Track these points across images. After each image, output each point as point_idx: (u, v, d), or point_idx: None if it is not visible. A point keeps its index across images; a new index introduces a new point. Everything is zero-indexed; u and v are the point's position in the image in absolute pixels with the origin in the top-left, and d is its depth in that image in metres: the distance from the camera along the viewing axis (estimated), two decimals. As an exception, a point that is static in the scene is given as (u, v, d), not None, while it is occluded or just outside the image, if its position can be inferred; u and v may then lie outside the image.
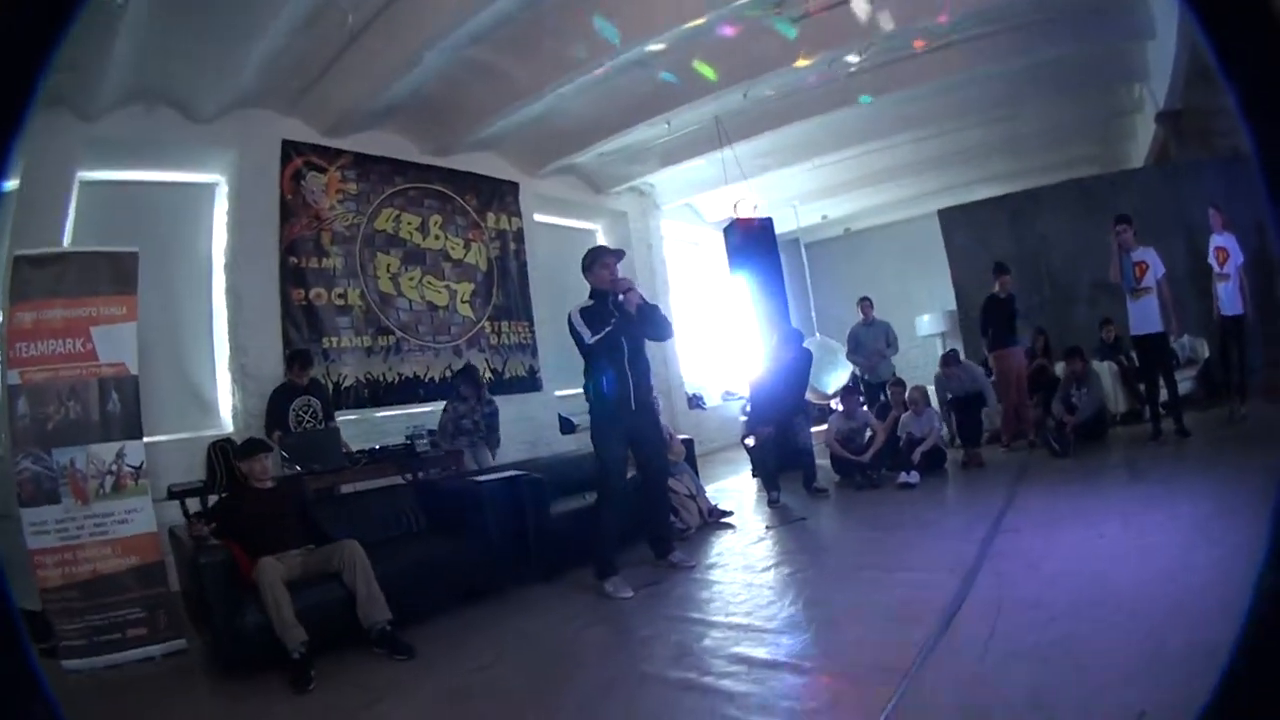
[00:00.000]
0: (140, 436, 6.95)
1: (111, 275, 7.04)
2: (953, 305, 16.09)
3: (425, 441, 9.31)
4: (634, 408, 7.01)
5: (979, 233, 14.94)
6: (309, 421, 9.13)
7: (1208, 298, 10.39)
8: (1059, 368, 11.38)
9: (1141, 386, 10.65)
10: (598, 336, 6.80)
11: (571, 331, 6.91)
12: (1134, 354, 10.67)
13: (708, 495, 9.32)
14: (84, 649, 6.41)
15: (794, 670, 4.41)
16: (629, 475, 7.21)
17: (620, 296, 6.90)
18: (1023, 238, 14.56)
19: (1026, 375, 11.56)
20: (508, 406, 11.69)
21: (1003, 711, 3.39)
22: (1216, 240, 10.00)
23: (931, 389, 11.22)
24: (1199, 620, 3.49)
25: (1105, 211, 11.09)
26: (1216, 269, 10.03)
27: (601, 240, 15.58)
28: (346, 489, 8.62)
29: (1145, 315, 9.77)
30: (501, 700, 4.77)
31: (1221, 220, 9.99)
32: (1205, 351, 11.32)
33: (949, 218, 15.30)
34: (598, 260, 7.10)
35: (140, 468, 6.85)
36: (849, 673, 4.21)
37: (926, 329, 18.12)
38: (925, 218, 17.09)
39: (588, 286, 7.00)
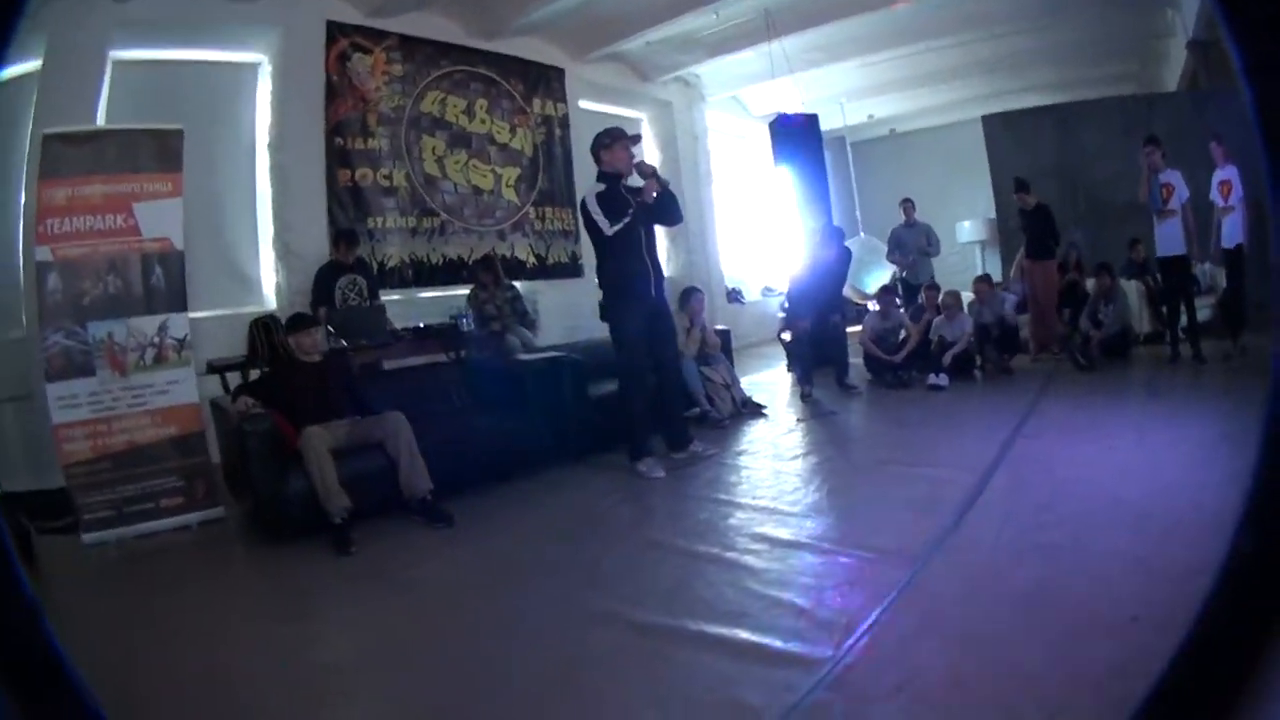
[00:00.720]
0: (185, 310, 7.02)
1: (155, 152, 7.02)
2: (993, 213, 16.02)
3: (469, 321, 9.34)
4: (653, 293, 6.95)
5: (1021, 141, 14.80)
6: (355, 299, 9.16)
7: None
8: (1089, 284, 11.30)
9: (1164, 309, 10.42)
10: (616, 228, 6.65)
11: (586, 220, 6.83)
12: (1158, 275, 10.57)
13: (742, 386, 9.38)
14: (110, 520, 6.53)
15: (813, 550, 4.57)
16: None
17: (632, 180, 6.90)
18: (1064, 149, 14.41)
19: (1058, 288, 11.48)
20: (550, 291, 12.16)
21: (1005, 600, 3.53)
22: (1220, 174, 9.92)
23: (967, 294, 11.05)
24: (1196, 537, 3.55)
25: (1141, 131, 10.91)
26: (1220, 203, 9.97)
27: (647, 129, 15.50)
28: (390, 365, 8.76)
29: (1170, 237, 9.68)
30: (535, 565, 5.00)
31: (1223, 153, 9.87)
32: (1223, 281, 11.04)
33: (992, 124, 15.14)
34: (617, 140, 6.93)
35: (184, 340, 6.93)
36: (864, 555, 4.32)
37: (967, 235, 17.97)
38: (970, 123, 16.79)
39: (633, 176, 6.89)
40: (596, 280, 7.25)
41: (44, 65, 8.42)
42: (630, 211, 6.67)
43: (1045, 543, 4.15)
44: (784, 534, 4.88)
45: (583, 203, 6.89)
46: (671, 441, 7.16)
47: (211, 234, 9.70)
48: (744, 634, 3.51)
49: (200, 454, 6.94)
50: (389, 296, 10.23)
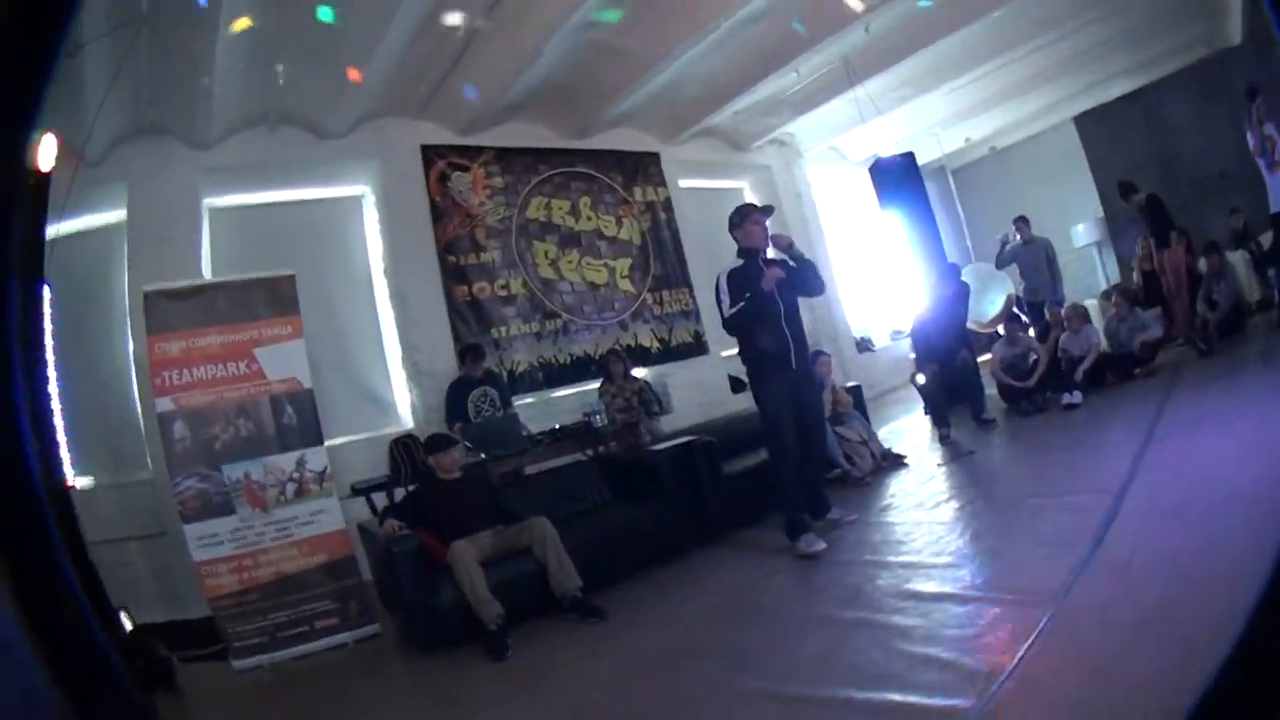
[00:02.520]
0: (320, 444, 7.23)
1: (269, 299, 7.34)
2: (1102, 212, 16.09)
3: (602, 417, 9.34)
4: (794, 366, 6.73)
5: (1115, 134, 15.06)
6: (488, 410, 9.29)
7: None
8: (1201, 264, 11.09)
9: (1272, 271, 10.38)
10: (731, 311, 6.62)
11: (716, 299, 6.75)
12: (1271, 234, 10.34)
13: (879, 439, 9.22)
14: (262, 645, 6.71)
15: (957, 600, 4.55)
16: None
17: (768, 256, 6.77)
18: (1154, 134, 14.58)
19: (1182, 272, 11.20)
20: (678, 372, 12.12)
21: (1140, 624, 3.50)
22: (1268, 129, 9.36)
23: (1092, 303, 10.80)
24: None
25: (1221, 95, 10.55)
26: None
27: (750, 197, 15.15)
28: (531, 469, 8.77)
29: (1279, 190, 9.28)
30: (685, 650, 4.99)
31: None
32: None
33: (1085, 124, 15.44)
34: (747, 217, 6.82)
35: (324, 472, 7.13)
36: (1007, 598, 4.33)
37: (1083, 239, 17.41)
38: (1067, 125, 16.96)
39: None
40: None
41: (130, 216, 8.77)
42: (747, 295, 6.52)
43: (1174, 554, 4.18)
44: (929, 588, 4.89)
45: (717, 280, 6.81)
46: (810, 509, 6.84)
47: (341, 363, 9.98)
48: (891, 695, 3.54)
49: (352, 576, 7.12)
50: (522, 401, 10.44)
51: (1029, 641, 3.62)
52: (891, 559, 5.66)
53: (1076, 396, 9.45)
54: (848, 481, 8.36)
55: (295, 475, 7.01)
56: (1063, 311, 10.55)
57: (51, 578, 1.48)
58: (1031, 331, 10.96)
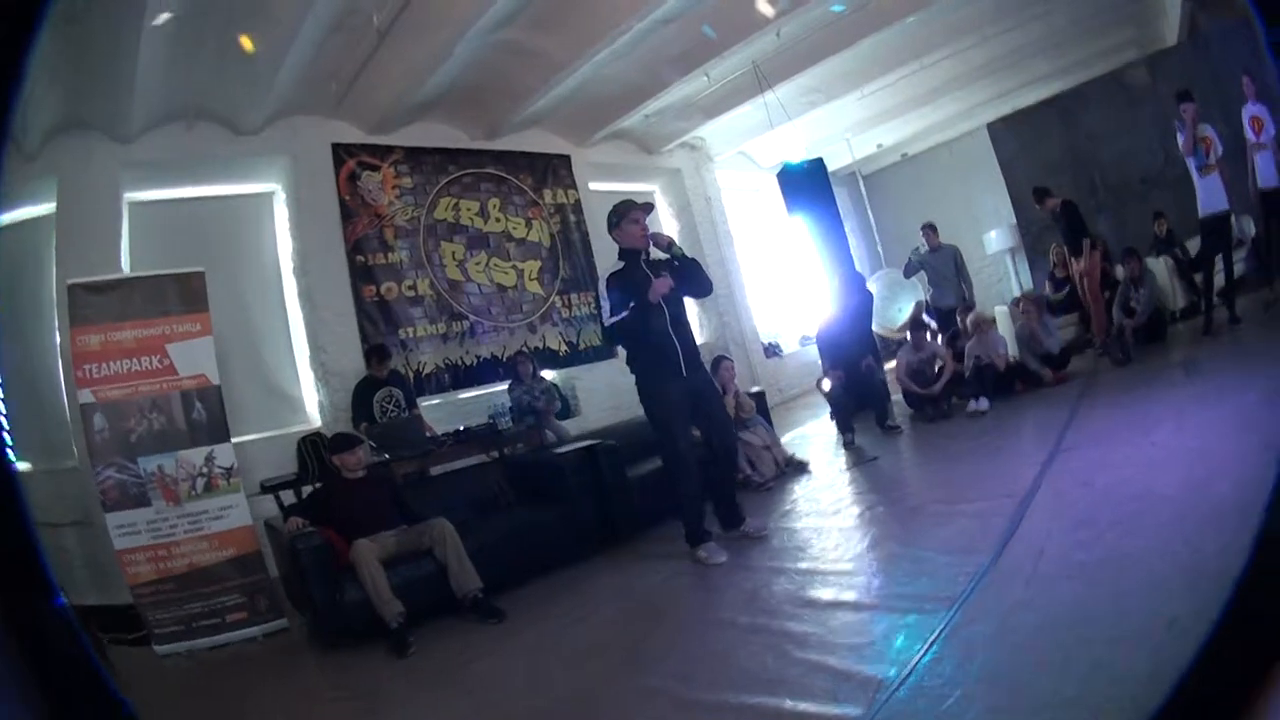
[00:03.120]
0: (228, 440, 7.39)
1: (180, 295, 7.52)
2: (1015, 219, 16.16)
3: (507, 420, 9.52)
4: (684, 373, 6.48)
5: (1028, 141, 15.05)
6: (393, 411, 9.39)
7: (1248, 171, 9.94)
8: (1119, 270, 11.18)
9: (1198, 277, 10.40)
10: (614, 320, 6.43)
11: (597, 303, 6.44)
12: (1198, 239, 10.46)
13: (783, 444, 9.26)
14: (180, 634, 6.96)
15: (853, 608, 4.65)
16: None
17: (649, 257, 6.61)
18: (1072, 139, 14.57)
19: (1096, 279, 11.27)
20: (589, 375, 12.28)
21: (1041, 631, 3.56)
22: (1251, 109, 9.56)
23: (1002, 309, 11.05)
24: (1232, 522, 3.38)
25: (1148, 102, 10.86)
26: (1252, 138, 9.59)
27: (660, 199, 15.46)
28: (435, 470, 8.86)
29: (1213, 193, 9.56)
30: (587, 649, 5.08)
31: (1254, 88, 9.50)
32: (1252, 229, 10.84)
33: (997, 131, 15.44)
34: (625, 216, 6.60)
35: (231, 469, 7.30)
36: (904, 606, 4.33)
37: (995, 245, 17.59)
38: (981, 132, 16.94)
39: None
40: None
41: (59, 209, 8.74)
42: (631, 305, 6.29)
43: (1083, 562, 4.17)
44: (827, 594, 4.95)
45: (600, 285, 6.67)
46: (723, 520, 6.73)
47: (251, 360, 9.98)
48: (784, 701, 3.58)
49: (259, 571, 7.31)
50: (429, 402, 10.48)
51: (923, 650, 3.65)
52: (790, 565, 5.67)
53: (983, 403, 9.52)
54: (749, 487, 8.32)
55: (204, 470, 7.18)
56: (969, 319, 10.65)
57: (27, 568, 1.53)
58: (940, 339, 10.99)
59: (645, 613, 5.68)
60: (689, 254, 6.84)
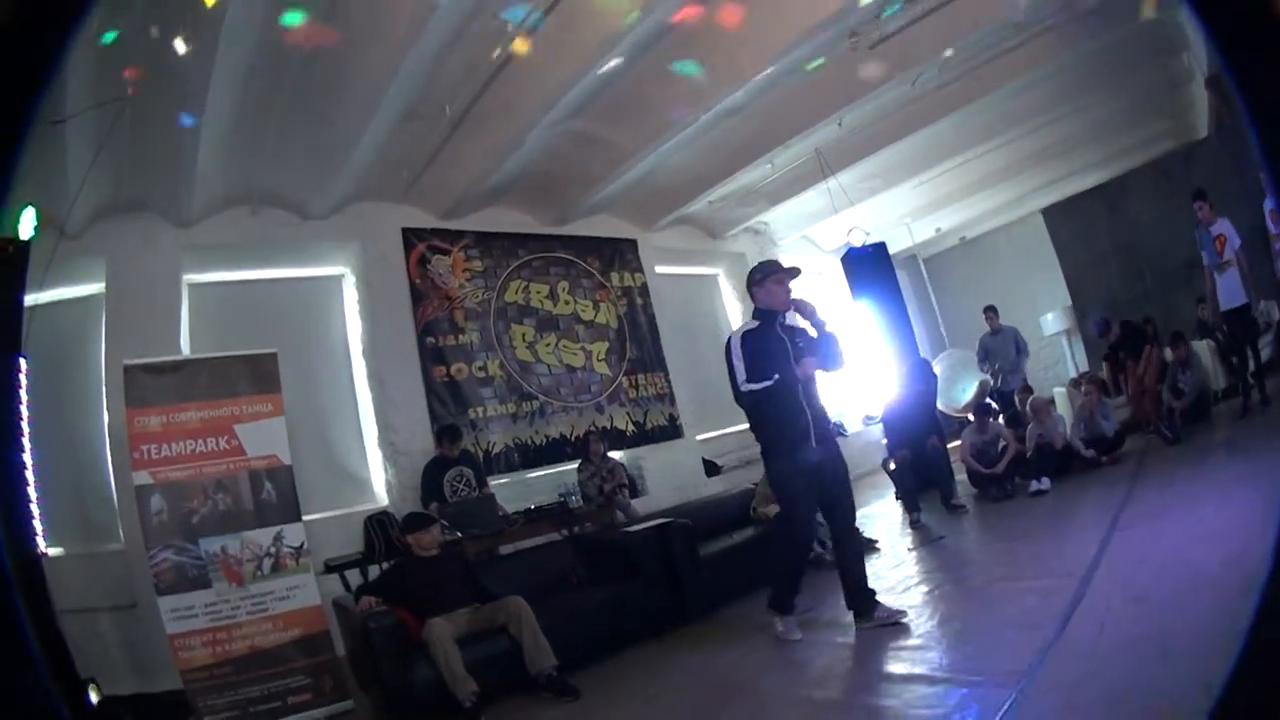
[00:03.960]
0: (299, 520, 7.27)
1: (251, 376, 7.48)
2: (1069, 300, 16.36)
3: (577, 498, 9.50)
4: (814, 444, 5.95)
5: (1081, 226, 15.34)
6: (464, 490, 9.30)
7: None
8: (1167, 353, 11.24)
9: (1234, 360, 10.41)
10: (753, 388, 5.86)
11: (728, 364, 6.04)
12: (1225, 329, 10.48)
13: None
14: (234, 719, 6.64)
15: (927, 681, 4.54)
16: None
17: (786, 322, 6.16)
18: (1117, 227, 14.83)
19: (1150, 368, 11.35)
20: (653, 455, 12.22)
21: (1102, 703, 3.56)
22: (1269, 204, 9.52)
23: (1060, 390, 11.12)
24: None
25: (1183, 188, 10.92)
26: (1273, 229, 9.67)
27: (724, 284, 15.60)
28: (506, 549, 8.80)
29: (1231, 289, 9.55)
30: None
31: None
32: (1276, 314, 11.05)
33: (1052, 217, 15.72)
34: (770, 275, 6.13)
35: (301, 548, 7.19)
36: (974, 679, 4.35)
37: (1052, 327, 17.54)
38: (1035, 216, 17.21)
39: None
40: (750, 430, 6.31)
41: (109, 290, 8.78)
42: (775, 376, 5.80)
43: (1138, 637, 4.19)
44: (900, 669, 4.90)
45: (728, 344, 6.05)
46: (854, 602, 6.03)
47: (318, 440, 9.97)
48: None
49: (326, 652, 7.10)
50: (497, 481, 10.35)
51: None
52: (863, 642, 5.61)
53: (1045, 483, 9.44)
54: (821, 565, 8.04)
55: (272, 550, 7.04)
56: (1029, 402, 10.69)
57: (14, 649, 1.41)
58: (1001, 419, 10.91)
59: (720, 690, 5.45)
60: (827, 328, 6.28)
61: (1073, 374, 15.40)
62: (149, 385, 7.02)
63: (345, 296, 10.79)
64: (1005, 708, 3.74)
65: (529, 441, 11.39)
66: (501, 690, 5.97)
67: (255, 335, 8.29)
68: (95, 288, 8.88)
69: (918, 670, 4.75)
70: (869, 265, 13.40)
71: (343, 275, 10.82)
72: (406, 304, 10.76)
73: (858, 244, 13.60)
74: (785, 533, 6.36)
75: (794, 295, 6.14)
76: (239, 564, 6.91)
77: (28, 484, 6.09)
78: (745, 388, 5.89)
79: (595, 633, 6.78)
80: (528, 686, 5.98)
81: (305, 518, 7.44)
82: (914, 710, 4.15)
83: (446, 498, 9.11)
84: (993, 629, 5.18)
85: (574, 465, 10.66)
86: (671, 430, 13.08)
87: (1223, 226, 9.41)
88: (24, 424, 6.09)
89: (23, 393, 6.18)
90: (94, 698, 6.23)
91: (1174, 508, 6.90)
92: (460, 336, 11.15)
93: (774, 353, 5.94)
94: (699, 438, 13.40)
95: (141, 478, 6.84)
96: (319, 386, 10.28)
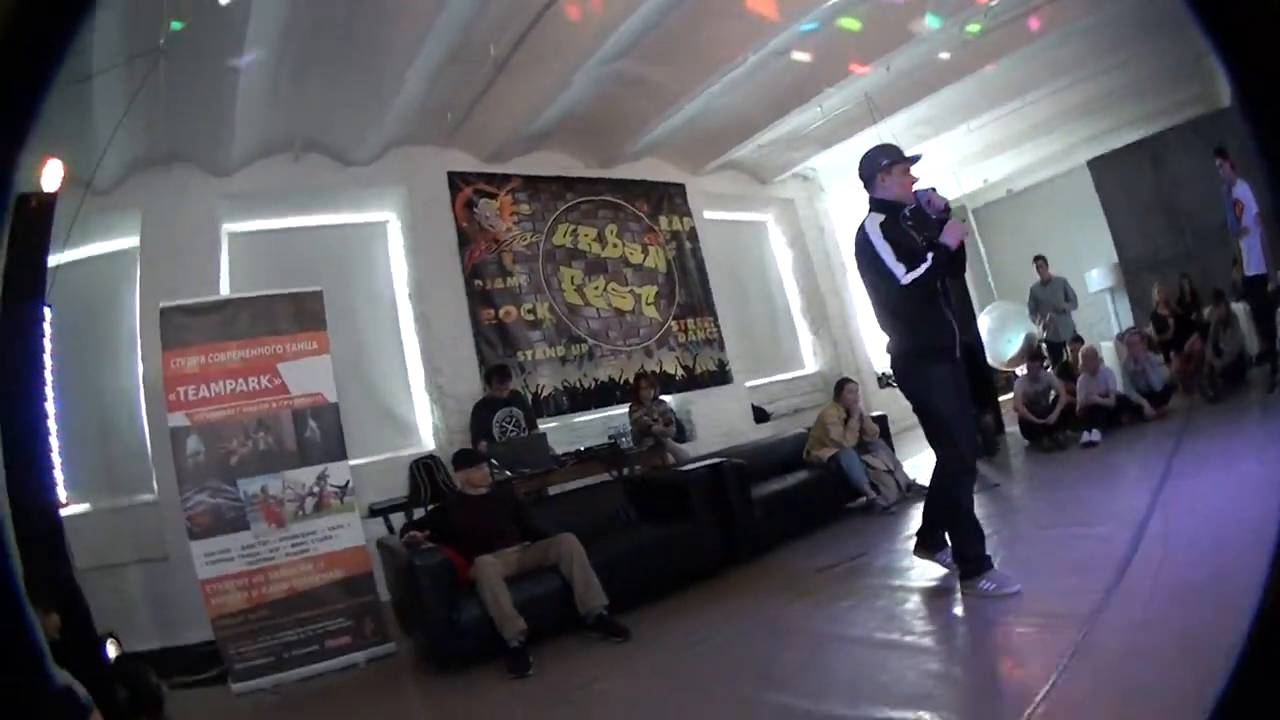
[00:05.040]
0: (344, 458, 7.00)
1: (295, 314, 7.07)
2: (1115, 257, 16.11)
3: (627, 440, 9.24)
4: (957, 358, 5.12)
5: (1126, 180, 15.09)
6: (513, 431, 9.05)
7: None
8: (1207, 312, 11.29)
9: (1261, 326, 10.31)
10: (914, 276, 4.79)
11: (869, 259, 5.01)
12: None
13: (904, 469, 8.90)
14: (267, 666, 6.34)
15: (988, 624, 4.45)
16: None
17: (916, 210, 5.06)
18: (1160, 183, 14.73)
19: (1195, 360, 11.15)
20: (701, 401, 11.91)
21: (1166, 647, 3.44)
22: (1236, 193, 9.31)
23: (1106, 344, 11.47)
24: None
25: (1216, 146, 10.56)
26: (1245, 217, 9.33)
27: (773, 229, 15.24)
28: (554, 490, 8.53)
29: (1252, 256, 9.32)
30: (712, 670, 4.81)
31: None
32: None
33: (1097, 168, 15.38)
34: (895, 162, 5.10)
35: (346, 487, 6.90)
36: (1036, 622, 4.26)
37: (1097, 284, 17.09)
38: (1080, 169, 16.76)
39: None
40: (893, 338, 5.24)
41: (144, 242, 8.52)
42: (930, 255, 4.78)
43: (1191, 583, 4.11)
44: (958, 613, 4.78)
45: (861, 236, 5.04)
46: (925, 535, 5.41)
47: (363, 385, 9.70)
48: (925, 715, 3.40)
49: (368, 593, 6.77)
50: (545, 424, 10.06)
51: (1061, 665, 3.47)
52: (921, 584, 5.43)
53: (1095, 435, 9.29)
54: (873, 511, 8.12)
55: (315, 490, 6.72)
56: (1080, 351, 10.48)
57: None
58: (1051, 370, 10.77)
59: (775, 631, 5.25)
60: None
61: (1117, 331, 14.91)
62: (186, 326, 6.67)
63: (390, 242, 10.50)
64: (1072, 649, 3.59)
65: (578, 385, 11.15)
66: (549, 631, 5.69)
67: (297, 282, 7.80)
68: (129, 242, 8.61)
69: (977, 615, 4.60)
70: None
71: (386, 221, 10.54)
72: (453, 247, 10.51)
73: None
74: (947, 462, 5.17)
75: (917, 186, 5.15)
76: (280, 504, 6.56)
77: (49, 434, 5.92)
78: (908, 279, 4.77)
79: (646, 574, 6.50)
80: (576, 627, 5.75)
81: (350, 461, 7.10)
82: (979, 652, 4.18)
83: (495, 438, 8.82)
84: (1052, 574, 4.99)
85: (623, 409, 10.44)
86: (720, 375, 12.76)
87: (1241, 191, 9.11)
88: (47, 374, 5.95)
89: (47, 343, 6.01)
90: (112, 651, 6.03)
91: (1216, 460, 6.97)
92: (508, 279, 10.90)
93: (911, 249, 4.90)
94: (748, 384, 13.14)
95: (177, 419, 6.50)
96: (364, 332, 9.99)
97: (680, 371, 12.18)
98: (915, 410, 5.25)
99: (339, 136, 9.45)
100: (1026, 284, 13.24)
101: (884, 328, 5.28)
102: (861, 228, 5.05)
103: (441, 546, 5.92)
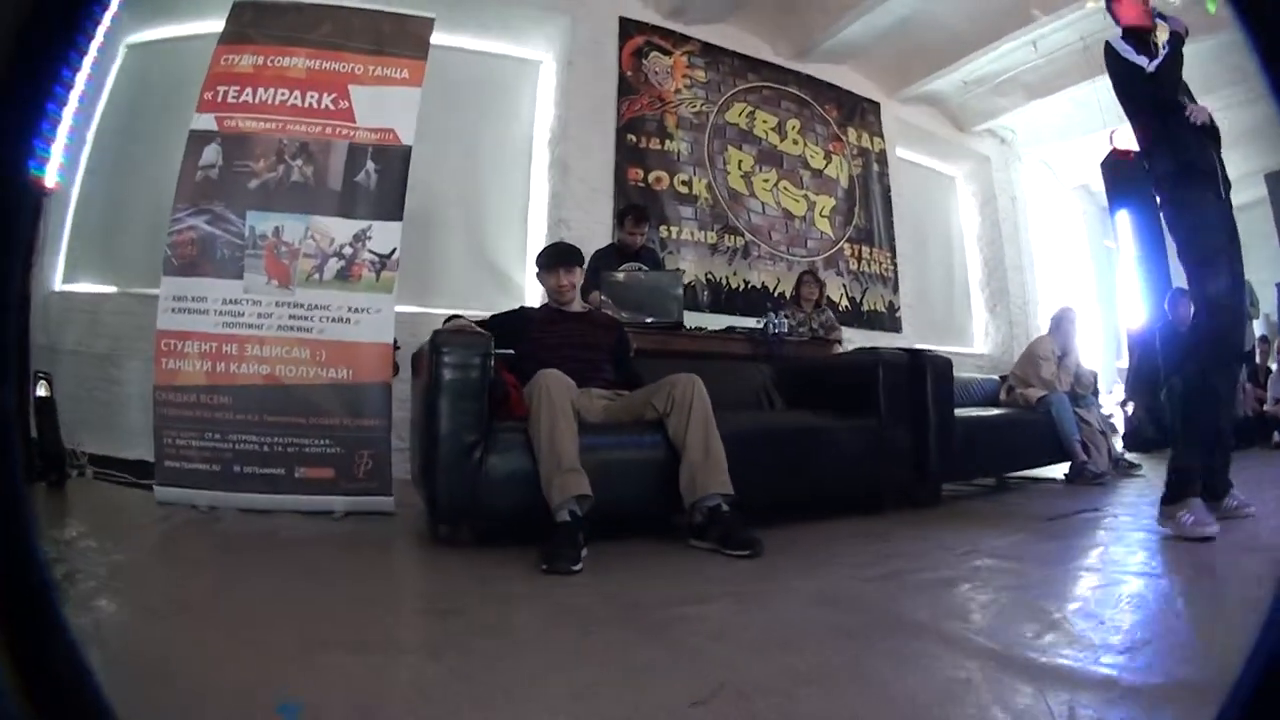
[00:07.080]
0: (399, 219, 4.75)
1: (392, 36, 5.03)
2: None
3: (778, 325, 6.71)
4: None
5: None
6: None
7: None
8: None
9: None
10: (1158, 62, 3.75)
11: (1116, 67, 3.92)
12: None
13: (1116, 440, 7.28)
14: (209, 478, 4.20)
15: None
16: None
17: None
18: None
19: None
20: (859, 341, 9.17)
21: None
22: None
23: None
24: None
25: None
26: None
27: (962, 188, 13.12)
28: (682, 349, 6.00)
29: None
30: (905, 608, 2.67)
31: None
32: None
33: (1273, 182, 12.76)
34: None
35: (390, 256, 4.64)
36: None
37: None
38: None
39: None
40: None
41: None
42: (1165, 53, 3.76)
43: None
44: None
45: (1108, 48, 3.99)
46: (1207, 483, 3.78)
47: (473, 232, 8.09)
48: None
49: (377, 416, 4.44)
50: None
51: None
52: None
53: None
54: (1084, 476, 6.21)
55: (347, 251, 4.52)
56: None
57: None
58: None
59: (947, 587, 2.99)
60: None
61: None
62: (253, 22, 4.81)
63: (540, 84, 8.64)
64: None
65: (724, 282, 8.87)
66: (625, 518, 3.57)
67: (429, 102, 5.66)
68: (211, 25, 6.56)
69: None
70: (1133, 172, 10.31)
71: (540, 63, 8.66)
72: (612, 95, 8.44)
73: (1122, 146, 10.73)
74: (1209, 345, 3.70)
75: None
76: (293, 256, 4.43)
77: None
78: (1154, 66, 3.75)
79: (793, 478, 4.17)
80: (669, 524, 3.63)
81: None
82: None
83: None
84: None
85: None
86: (889, 320, 10.45)
87: None
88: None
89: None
90: (41, 391, 4.78)
91: None
92: (668, 143, 8.67)
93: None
94: (919, 345, 10.42)
95: (204, 122, 4.60)
96: (489, 175, 8.22)
97: (845, 302, 9.84)
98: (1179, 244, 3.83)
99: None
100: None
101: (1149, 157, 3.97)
102: (1107, 42, 4.06)
103: (500, 367, 3.62)
